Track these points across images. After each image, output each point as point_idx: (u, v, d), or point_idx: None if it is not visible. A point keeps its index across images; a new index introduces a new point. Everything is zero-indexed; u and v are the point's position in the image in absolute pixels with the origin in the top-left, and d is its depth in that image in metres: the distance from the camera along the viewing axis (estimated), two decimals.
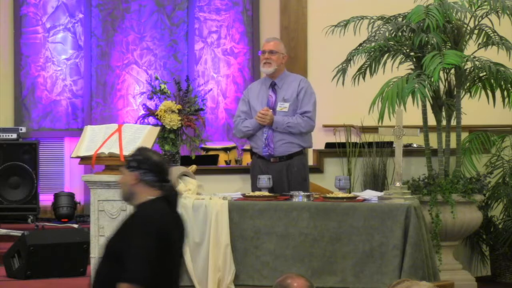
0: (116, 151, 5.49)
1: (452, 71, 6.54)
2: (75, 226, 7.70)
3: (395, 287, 2.51)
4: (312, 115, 6.25)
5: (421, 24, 6.41)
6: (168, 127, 6.52)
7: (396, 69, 6.68)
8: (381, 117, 6.15)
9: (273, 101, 6.30)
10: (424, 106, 6.62)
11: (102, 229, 5.47)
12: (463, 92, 6.66)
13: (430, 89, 6.21)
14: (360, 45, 6.81)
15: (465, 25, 6.61)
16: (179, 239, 3.78)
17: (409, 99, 6.15)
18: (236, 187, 6.61)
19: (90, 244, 5.54)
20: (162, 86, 6.78)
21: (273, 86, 6.34)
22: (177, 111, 6.55)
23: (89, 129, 5.73)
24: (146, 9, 9.07)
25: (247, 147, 7.84)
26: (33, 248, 6.16)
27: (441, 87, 6.61)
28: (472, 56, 6.41)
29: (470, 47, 6.72)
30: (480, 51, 6.66)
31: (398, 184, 5.46)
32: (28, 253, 6.13)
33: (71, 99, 9.00)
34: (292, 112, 6.24)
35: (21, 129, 8.46)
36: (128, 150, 5.49)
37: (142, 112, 6.90)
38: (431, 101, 6.62)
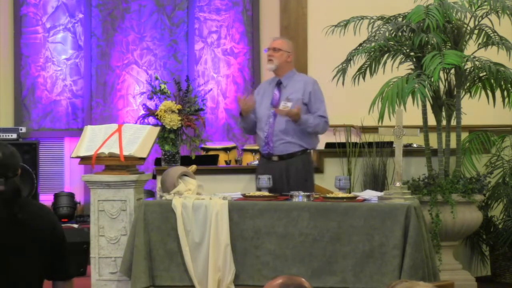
0: (116, 151, 5.49)
1: (452, 71, 6.54)
2: (75, 226, 7.71)
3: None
4: (328, 119, 6.30)
5: (421, 24, 6.41)
6: (168, 127, 6.52)
7: (396, 69, 6.68)
8: (381, 117, 6.15)
9: (277, 99, 6.30)
10: (424, 106, 6.62)
11: (102, 229, 5.48)
12: (463, 92, 6.66)
13: (430, 89, 6.21)
14: (360, 45, 6.81)
15: (465, 25, 6.61)
16: (10, 242, 3.43)
17: (409, 99, 6.15)
18: (236, 187, 6.61)
19: (90, 244, 5.54)
20: (162, 86, 6.78)
21: (278, 84, 6.36)
22: (177, 111, 6.55)
23: (89, 129, 5.73)
24: (146, 9, 9.08)
25: (247, 147, 7.85)
26: None
27: (441, 87, 6.61)
28: (472, 56, 6.40)
29: (470, 47, 6.72)
30: (480, 51, 6.66)
31: (398, 184, 5.45)
32: None
33: (71, 99, 9.01)
34: None
35: (21, 129, 8.47)
36: (128, 150, 5.50)
37: (142, 112, 6.91)
38: (431, 101, 6.62)
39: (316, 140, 6.38)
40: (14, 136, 8.33)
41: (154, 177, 6.69)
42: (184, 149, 6.90)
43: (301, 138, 6.23)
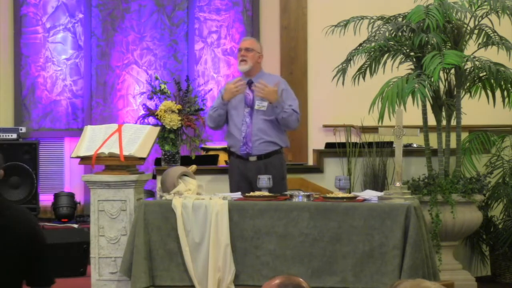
0: (116, 151, 5.49)
1: (452, 71, 6.54)
2: (75, 226, 7.71)
3: (398, 287, 2.49)
4: (300, 117, 6.32)
5: (421, 24, 6.41)
6: (168, 127, 6.52)
7: (396, 69, 6.68)
8: (381, 117, 6.15)
9: (251, 99, 6.29)
10: (424, 106, 6.62)
11: (102, 229, 5.48)
12: (463, 92, 6.66)
13: (430, 89, 6.21)
14: (360, 45, 6.81)
15: (465, 25, 6.61)
16: None
17: (409, 99, 6.15)
18: None
19: (90, 244, 5.54)
20: (162, 86, 6.78)
21: (250, 84, 6.35)
22: (177, 111, 6.56)
23: (89, 129, 5.73)
24: (146, 9, 9.08)
25: None
26: None
27: (441, 87, 6.61)
28: (472, 56, 6.40)
29: (470, 47, 6.72)
30: (480, 51, 6.66)
31: (398, 184, 5.45)
32: None
33: (71, 99, 9.01)
34: (270, 111, 6.23)
35: (21, 129, 8.47)
36: (128, 150, 5.50)
37: (142, 112, 6.91)
38: (431, 101, 6.62)
39: (288, 138, 6.40)
40: (14, 136, 8.33)
41: (154, 177, 6.69)
42: (184, 149, 6.91)
43: (278, 136, 6.27)
